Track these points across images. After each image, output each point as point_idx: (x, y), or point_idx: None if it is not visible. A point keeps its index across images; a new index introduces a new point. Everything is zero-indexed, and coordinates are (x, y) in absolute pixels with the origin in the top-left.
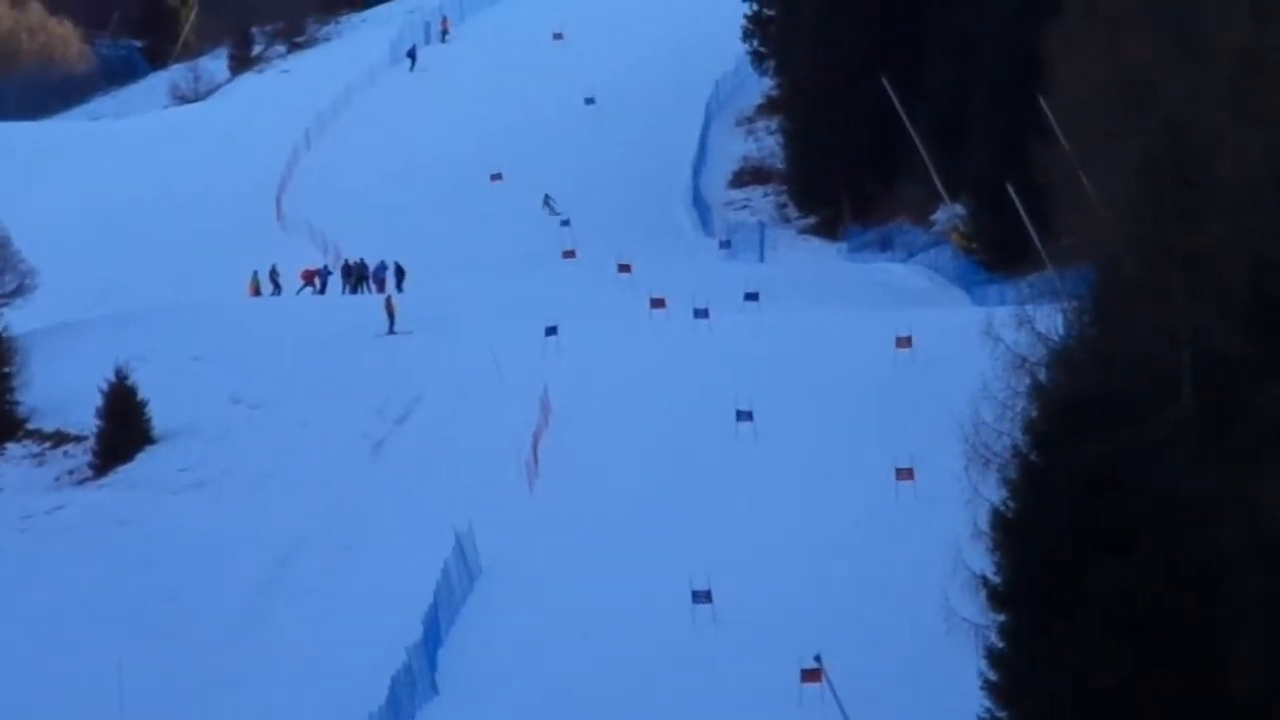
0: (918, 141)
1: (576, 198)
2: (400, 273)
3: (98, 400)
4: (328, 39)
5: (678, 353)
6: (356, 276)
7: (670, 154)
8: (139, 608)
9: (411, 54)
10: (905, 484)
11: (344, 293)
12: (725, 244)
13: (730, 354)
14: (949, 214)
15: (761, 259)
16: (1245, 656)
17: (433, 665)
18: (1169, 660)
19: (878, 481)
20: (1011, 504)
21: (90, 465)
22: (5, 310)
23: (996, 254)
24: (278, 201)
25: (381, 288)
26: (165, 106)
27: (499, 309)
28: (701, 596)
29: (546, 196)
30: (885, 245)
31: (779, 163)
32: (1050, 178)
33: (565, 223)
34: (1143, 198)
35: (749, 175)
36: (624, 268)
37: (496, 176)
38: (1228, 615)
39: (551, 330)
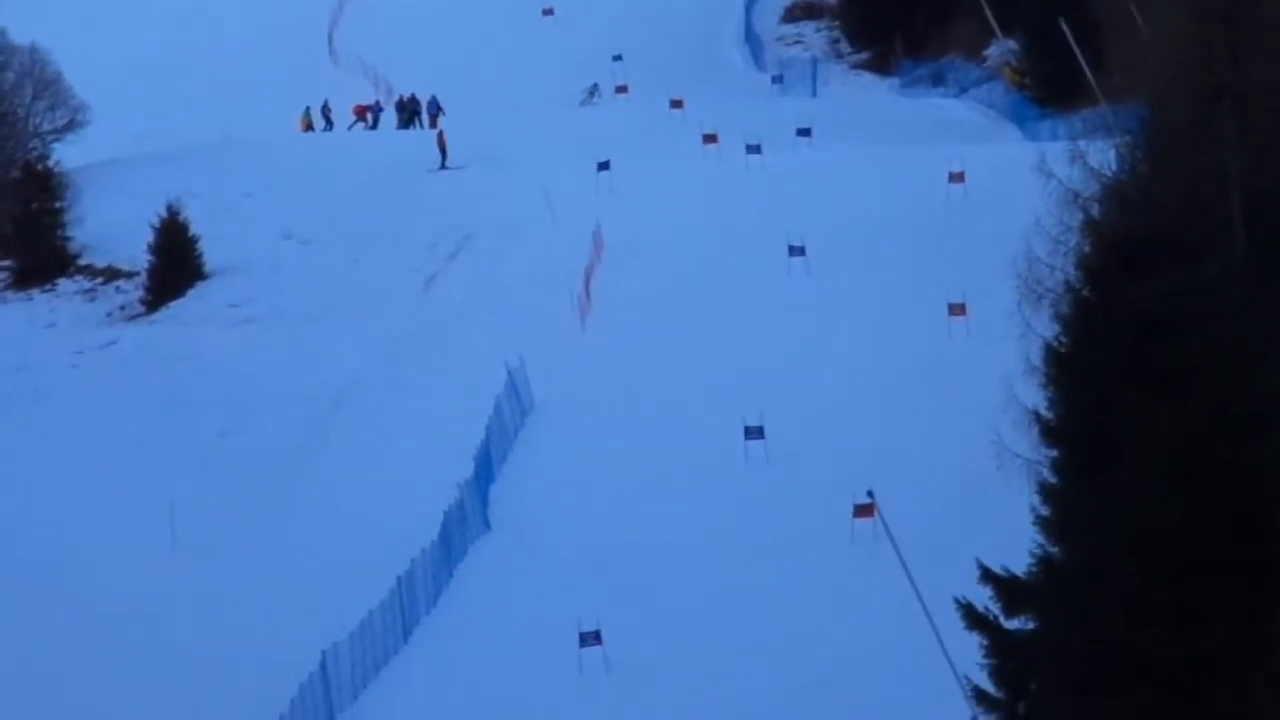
0: None
1: (629, 34)
2: (437, 108)
3: (149, 236)
4: None
5: (730, 189)
6: (409, 112)
7: None
8: (191, 444)
9: None
10: (958, 320)
11: (397, 128)
12: (777, 79)
13: (782, 190)
14: (1001, 49)
15: (814, 94)
16: None
17: (484, 502)
18: (1219, 502)
19: (930, 317)
20: (1064, 339)
21: (142, 301)
22: (57, 145)
23: (1049, 89)
24: (330, 37)
25: (434, 123)
26: None
27: (551, 145)
28: (754, 432)
29: (594, 85)
30: (937, 80)
31: None
32: (1102, 14)
33: (617, 58)
34: (1192, 36)
35: (801, 10)
36: (676, 104)
37: (549, 11)
38: (1276, 456)
39: (604, 166)
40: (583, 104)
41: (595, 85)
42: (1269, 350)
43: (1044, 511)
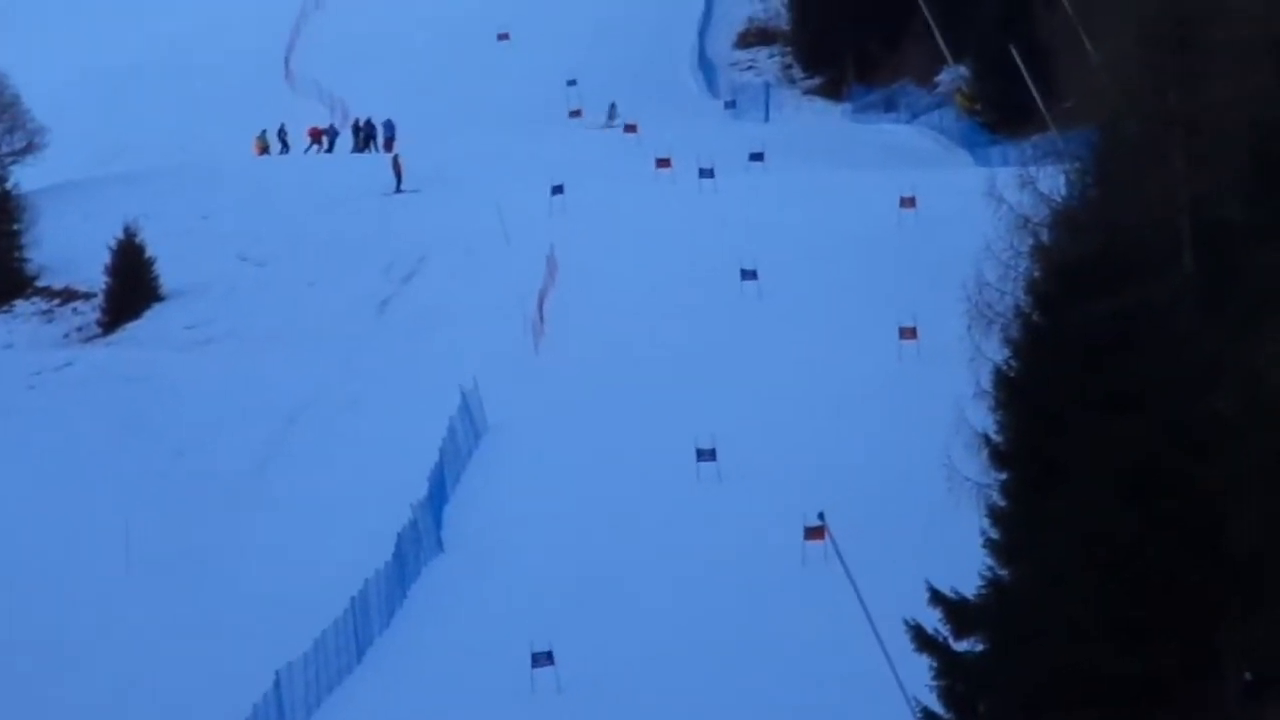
0: (922, 3)
1: (584, 58)
2: (392, 131)
3: (106, 258)
4: None
5: (683, 212)
6: (365, 135)
7: (676, 14)
8: (147, 464)
9: None
10: (908, 343)
11: (352, 151)
12: (730, 104)
13: (735, 214)
14: (953, 75)
15: (766, 119)
16: (1242, 519)
17: (438, 523)
18: (1167, 522)
19: (881, 341)
20: (1014, 363)
21: (98, 322)
22: (15, 168)
23: (999, 115)
24: (286, 60)
25: (390, 147)
26: None
27: (506, 168)
28: (706, 454)
29: (612, 105)
30: (889, 106)
31: (784, 24)
32: (1053, 40)
33: (572, 82)
34: (1143, 60)
35: (754, 36)
36: (630, 128)
37: (504, 36)
38: (1226, 477)
39: (558, 189)
40: (604, 127)
41: (613, 105)
42: (1217, 372)
43: (993, 534)
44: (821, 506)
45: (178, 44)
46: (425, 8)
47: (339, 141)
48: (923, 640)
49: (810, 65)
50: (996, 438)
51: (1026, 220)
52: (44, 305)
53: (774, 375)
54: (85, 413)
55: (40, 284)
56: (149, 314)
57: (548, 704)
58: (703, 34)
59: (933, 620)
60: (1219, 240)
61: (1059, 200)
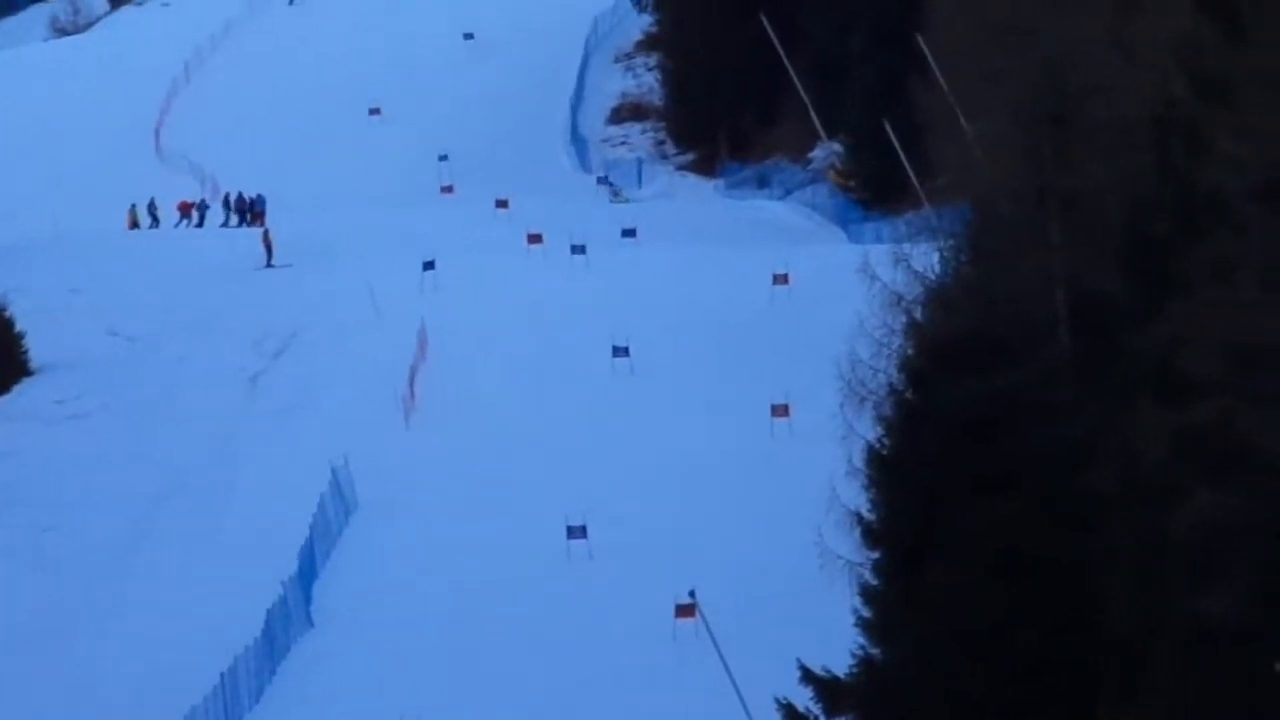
0: (796, 80)
1: (456, 134)
2: (263, 206)
3: None
4: None
5: (555, 288)
6: (236, 210)
7: (549, 90)
8: (14, 540)
9: None
10: (781, 420)
11: (222, 225)
12: (603, 180)
13: (607, 290)
14: (826, 152)
15: (639, 193)
16: (1117, 596)
17: (308, 599)
18: (1042, 600)
19: (754, 418)
20: (886, 441)
21: None
22: None
23: (873, 192)
24: (156, 134)
25: (260, 221)
26: (44, 39)
27: (377, 243)
28: (576, 532)
29: (610, 185)
30: (763, 182)
31: (657, 99)
32: (928, 116)
33: (443, 157)
34: (1019, 138)
35: (628, 111)
36: (501, 203)
37: (375, 111)
38: (1101, 555)
39: (429, 265)
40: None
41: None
42: (1092, 450)
43: (865, 613)
44: (693, 584)
45: (46, 116)
46: (297, 82)
47: (209, 215)
48: (794, 718)
49: (683, 141)
50: (869, 516)
51: (900, 297)
52: None
53: (646, 452)
54: None
55: None
56: (18, 388)
57: None
58: (575, 109)
59: (805, 698)
60: (1094, 316)
61: (933, 277)
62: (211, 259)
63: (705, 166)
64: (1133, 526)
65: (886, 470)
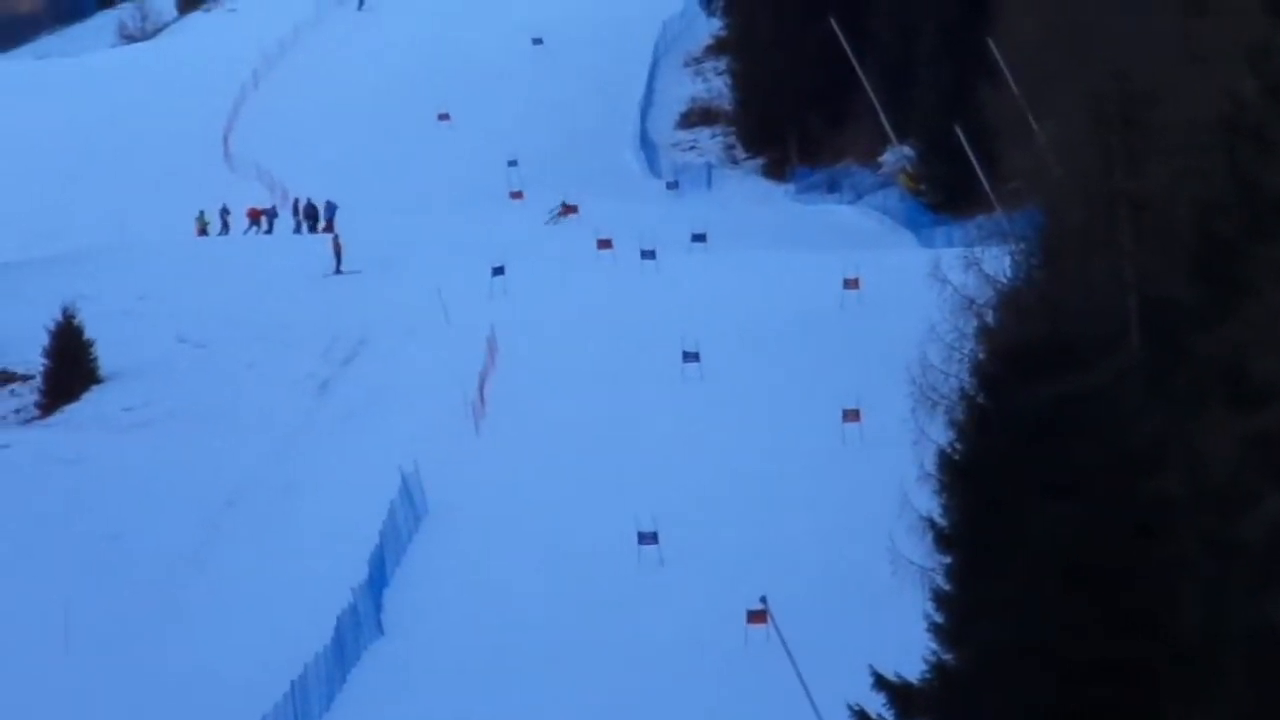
0: (865, 83)
1: (523, 138)
2: (333, 212)
3: (44, 340)
4: None
5: (624, 294)
6: (305, 216)
7: (618, 95)
8: (84, 547)
9: None
10: (852, 426)
11: (293, 232)
12: (673, 185)
13: (677, 295)
14: (897, 156)
15: (708, 200)
16: (1186, 602)
17: (378, 606)
18: (1111, 606)
19: (824, 423)
20: (958, 446)
21: (36, 405)
22: None
23: (944, 196)
24: (225, 141)
25: (330, 228)
26: (112, 45)
27: (446, 249)
28: (647, 538)
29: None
30: (832, 187)
31: (727, 104)
32: (998, 120)
33: (513, 163)
34: (1089, 141)
35: (697, 116)
36: (571, 208)
37: (444, 116)
38: (1170, 561)
39: (498, 270)
40: (551, 221)
41: (562, 203)
42: (1162, 455)
43: (937, 618)
44: (764, 590)
45: (113, 122)
46: (365, 88)
47: (278, 222)
48: None
49: (753, 145)
50: (941, 521)
51: (971, 301)
52: None
53: (716, 457)
54: (22, 495)
55: None
56: (87, 396)
57: None
58: (644, 114)
59: (877, 704)
60: (1164, 320)
61: (1004, 281)
62: (280, 265)
63: (775, 171)
64: (1202, 532)
65: (958, 475)
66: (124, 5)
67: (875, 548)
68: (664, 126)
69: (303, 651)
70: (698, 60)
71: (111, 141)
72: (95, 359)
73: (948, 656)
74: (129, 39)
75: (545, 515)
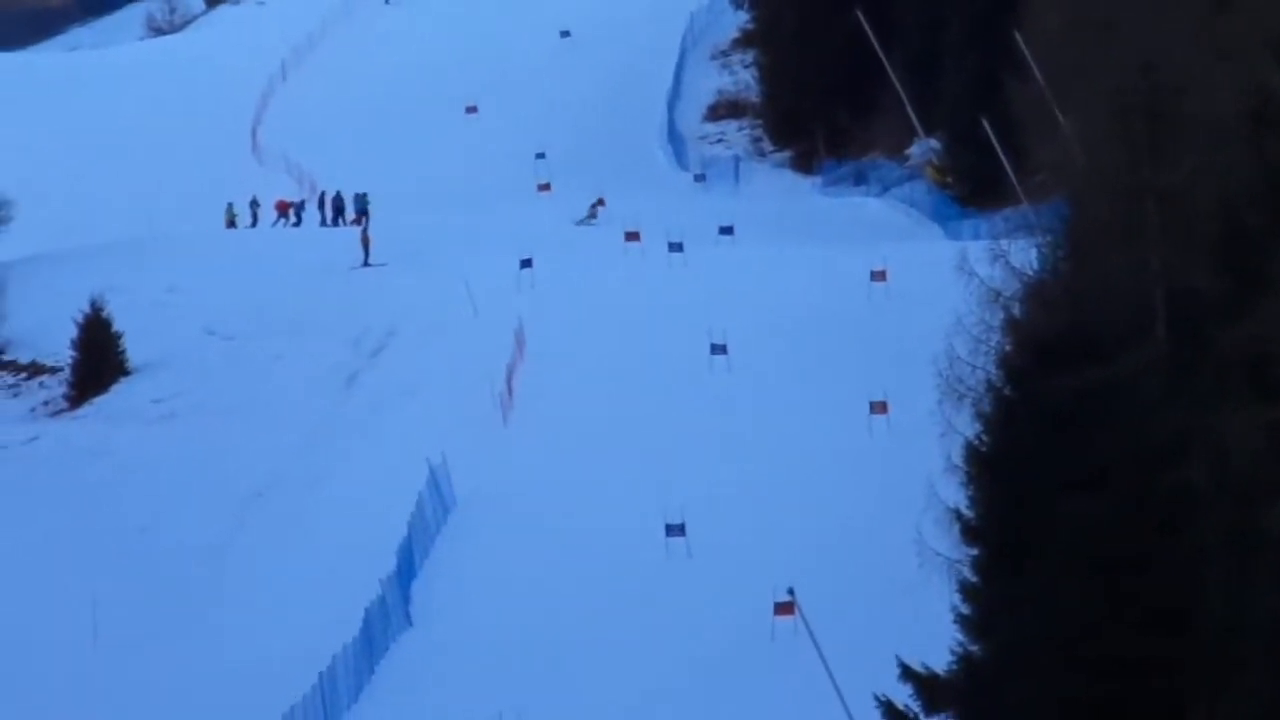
0: (892, 76)
1: (551, 131)
2: (361, 205)
3: (73, 332)
4: None
5: (652, 286)
6: (333, 209)
7: (645, 87)
8: (113, 539)
9: None
10: (879, 418)
11: (320, 225)
12: (700, 177)
13: (704, 288)
14: (923, 148)
15: (736, 193)
16: (1210, 593)
17: (406, 598)
18: (1136, 597)
19: (852, 415)
20: (985, 438)
21: (65, 396)
22: None
23: (971, 188)
24: (253, 134)
25: (358, 220)
26: (141, 38)
27: (474, 242)
28: (675, 530)
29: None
30: (860, 179)
31: (754, 96)
32: (1024, 113)
33: (540, 155)
34: (1114, 133)
35: (724, 109)
36: (599, 202)
37: (472, 109)
38: (1194, 552)
39: (526, 263)
40: (584, 222)
41: (598, 201)
42: (1186, 446)
43: (964, 609)
44: (791, 582)
45: (142, 115)
46: (393, 80)
47: (306, 215)
48: (893, 716)
49: (780, 138)
50: (968, 513)
51: (998, 294)
52: (10, 379)
53: (743, 450)
54: (51, 487)
55: (6, 358)
56: (116, 388)
57: None
58: (672, 107)
59: (904, 696)
60: (1189, 312)
61: (1031, 273)
62: (308, 258)
63: (802, 163)
64: (1224, 524)
65: (985, 467)
66: None
67: (902, 539)
68: (691, 119)
69: (331, 643)
70: (725, 53)
71: (140, 134)
72: (124, 351)
73: (974, 648)
74: (158, 32)
75: (573, 507)
